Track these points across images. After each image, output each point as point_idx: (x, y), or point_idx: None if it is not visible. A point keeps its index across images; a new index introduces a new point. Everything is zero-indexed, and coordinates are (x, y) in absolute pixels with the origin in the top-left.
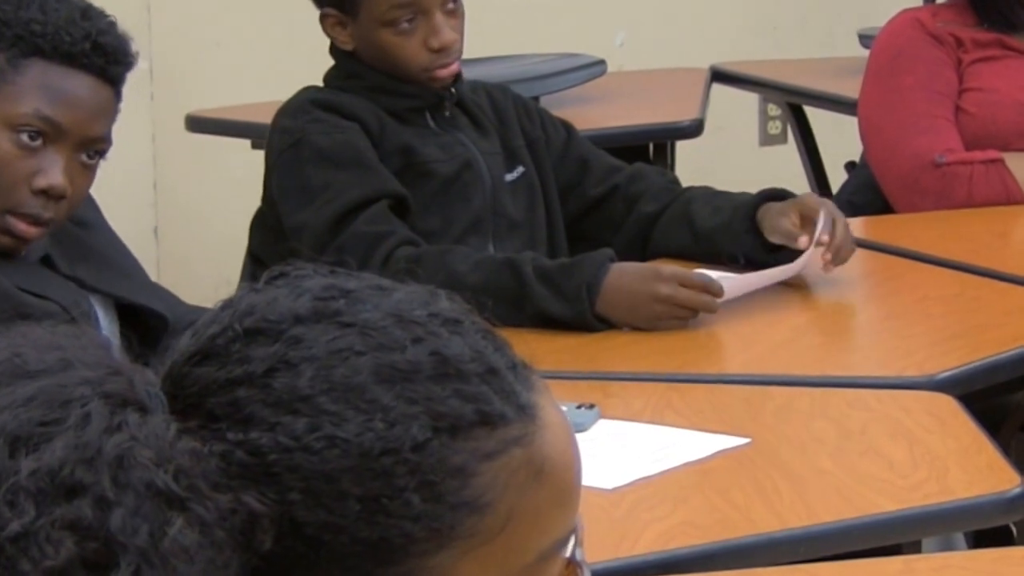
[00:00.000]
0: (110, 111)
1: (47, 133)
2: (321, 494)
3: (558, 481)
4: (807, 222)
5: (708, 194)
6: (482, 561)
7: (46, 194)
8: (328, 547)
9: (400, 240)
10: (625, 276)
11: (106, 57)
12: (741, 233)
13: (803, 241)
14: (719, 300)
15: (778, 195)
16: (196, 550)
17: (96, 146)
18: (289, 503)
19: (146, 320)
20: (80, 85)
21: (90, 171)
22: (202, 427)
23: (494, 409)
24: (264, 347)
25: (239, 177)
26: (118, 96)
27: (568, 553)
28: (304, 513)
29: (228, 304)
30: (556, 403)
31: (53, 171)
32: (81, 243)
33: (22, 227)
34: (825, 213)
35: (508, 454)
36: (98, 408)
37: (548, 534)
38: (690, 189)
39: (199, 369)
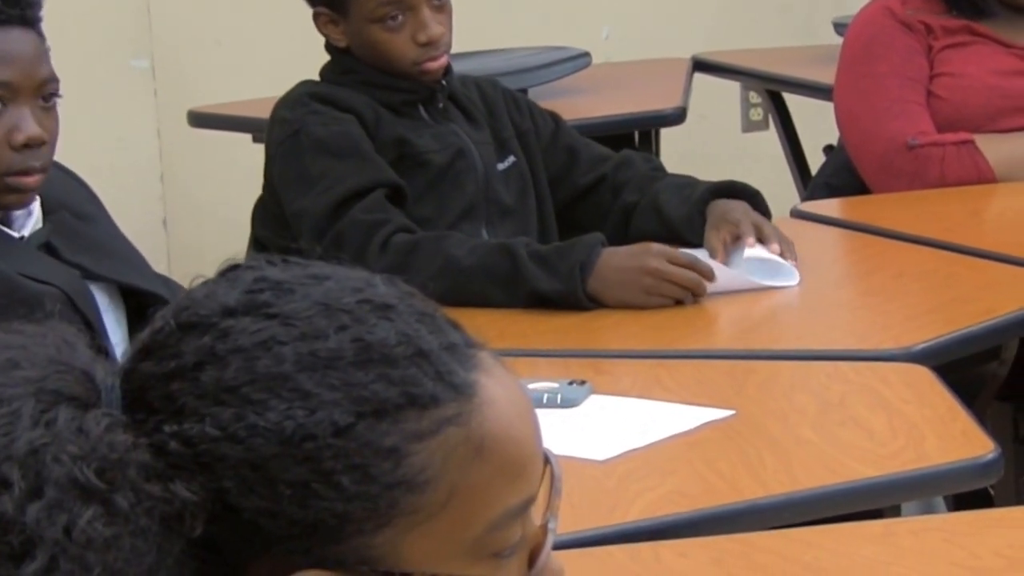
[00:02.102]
0: (43, 52)
1: (4, 96)
2: (251, 481)
3: (503, 455)
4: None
5: (679, 184)
6: (429, 535)
7: (28, 146)
8: (267, 531)
9: (397, 227)
10: (616, 255)
11: (20, 5)
12: (699, 226)
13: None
14: (708, 286)
15: (727, 189)
16: (112, 540)
17: (48, 88)
18: (223, 490)
19: (150, 306)
20: (10, 40)
21: (52, 112)
22: (144, 420)
23: (424, 391)
24: (195, 340)
25: (242, 169)
26: (42, 36)
27: (542, 520)
28: (239, 499)
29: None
30: (507, 379)
31: (25, 124)
32: (82, 235)
33: (23, 180)
34: (750, 239)
35: (443, 433)
36: (28, 406)
37: (496, 506)
38: (666, 178)
39: (142, 364)
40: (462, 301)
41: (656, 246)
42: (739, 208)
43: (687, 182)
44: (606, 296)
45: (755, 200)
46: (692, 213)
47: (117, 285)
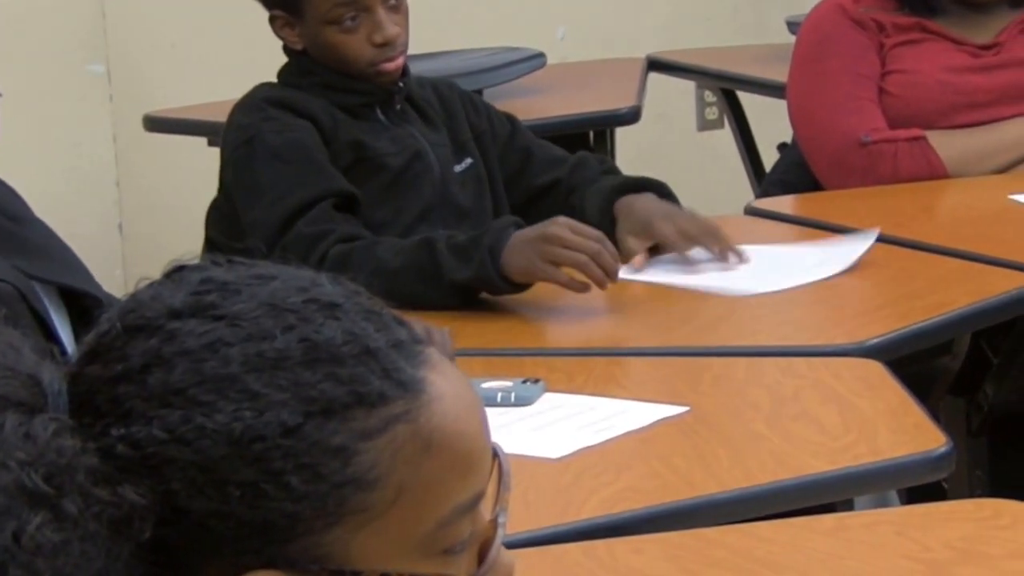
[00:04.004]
0: None
1: None
2: (200, 483)
3: (452, 451)
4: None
5: (599, 187)
6: (379, 533)
7: None
8: (217, 532)
9: (337, 238)
10: (525, 231)
11: None
12: (607, 227)
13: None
14: (631, 269)
15: (633, 185)
16: (61, 545)
17: None
18: (172, 493)
19: (89, 307)
20: None
21: None
22: (91, 424)
23: (371, 389)
24: (141, 343)
25: (198, 173)
26: None
27: (491, 515)
28: (187, 502)
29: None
30: (455, 374)
31: None
32: (15, 237)
33: None
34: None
35: (391, 431)
36: None
37: (446, 502)
38: (603, 179)
39: (89, 367)
40: (400, 304)
41: (562, 218)
42: (650, 208)
43: (607, 182)
44: (512, 271)
45: (662, 191)
46: (602, 219)
47: (56, 287)
